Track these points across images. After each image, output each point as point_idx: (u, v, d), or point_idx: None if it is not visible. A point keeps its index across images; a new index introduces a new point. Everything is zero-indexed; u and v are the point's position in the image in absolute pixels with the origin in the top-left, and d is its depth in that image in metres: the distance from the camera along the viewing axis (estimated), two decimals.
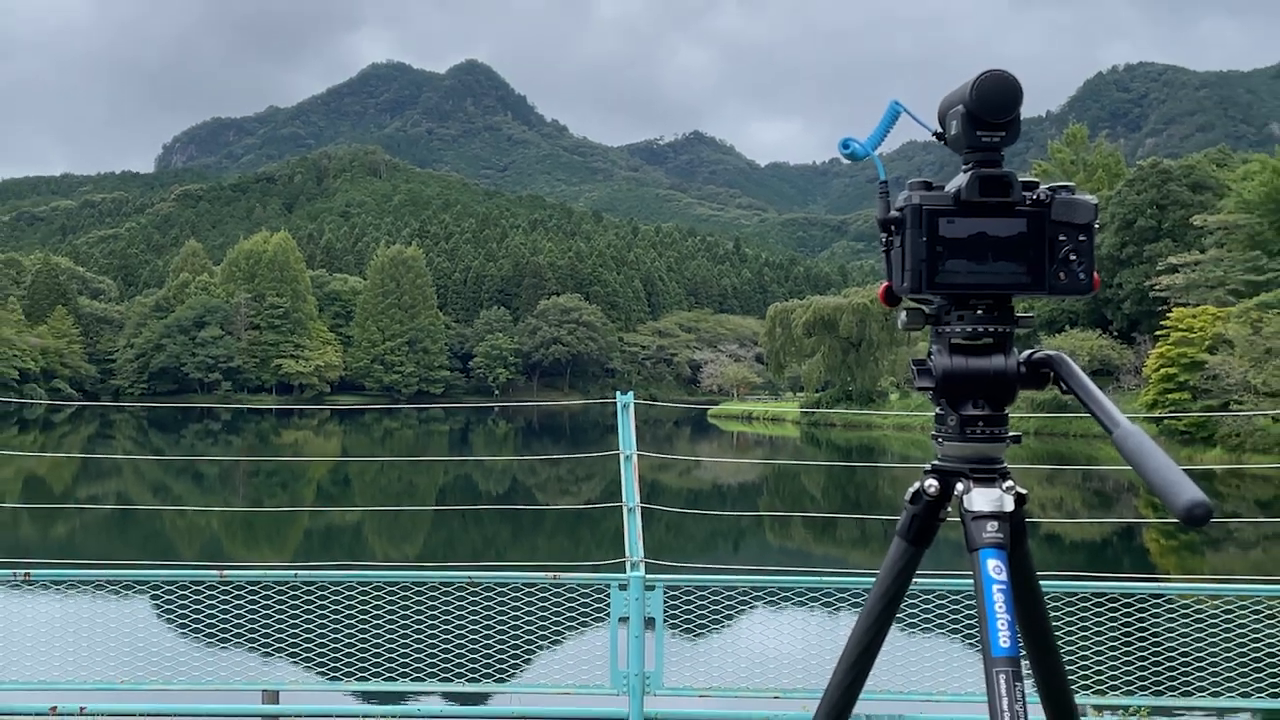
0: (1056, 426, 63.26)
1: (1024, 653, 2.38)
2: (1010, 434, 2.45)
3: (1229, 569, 24.88)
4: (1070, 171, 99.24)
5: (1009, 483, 2.42)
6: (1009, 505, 2.40)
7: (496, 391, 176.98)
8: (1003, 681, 2.19)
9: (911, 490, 2.53)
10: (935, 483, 2.48)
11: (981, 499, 2.39)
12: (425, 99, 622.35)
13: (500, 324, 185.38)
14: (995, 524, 2.36)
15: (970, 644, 8.65)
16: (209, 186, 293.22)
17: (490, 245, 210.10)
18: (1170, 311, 67.67)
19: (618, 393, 8.92)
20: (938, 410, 2.49)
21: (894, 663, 7.88)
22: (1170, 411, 57.80)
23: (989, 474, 2.42)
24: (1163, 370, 64.21)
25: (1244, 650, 8.42)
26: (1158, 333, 68.22)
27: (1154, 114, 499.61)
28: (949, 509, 2.51)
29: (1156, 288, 74.57)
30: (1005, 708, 2.17)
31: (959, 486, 2.42)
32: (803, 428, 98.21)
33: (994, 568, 2.30)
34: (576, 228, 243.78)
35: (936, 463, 2.50)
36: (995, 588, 2.27)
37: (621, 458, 8.52)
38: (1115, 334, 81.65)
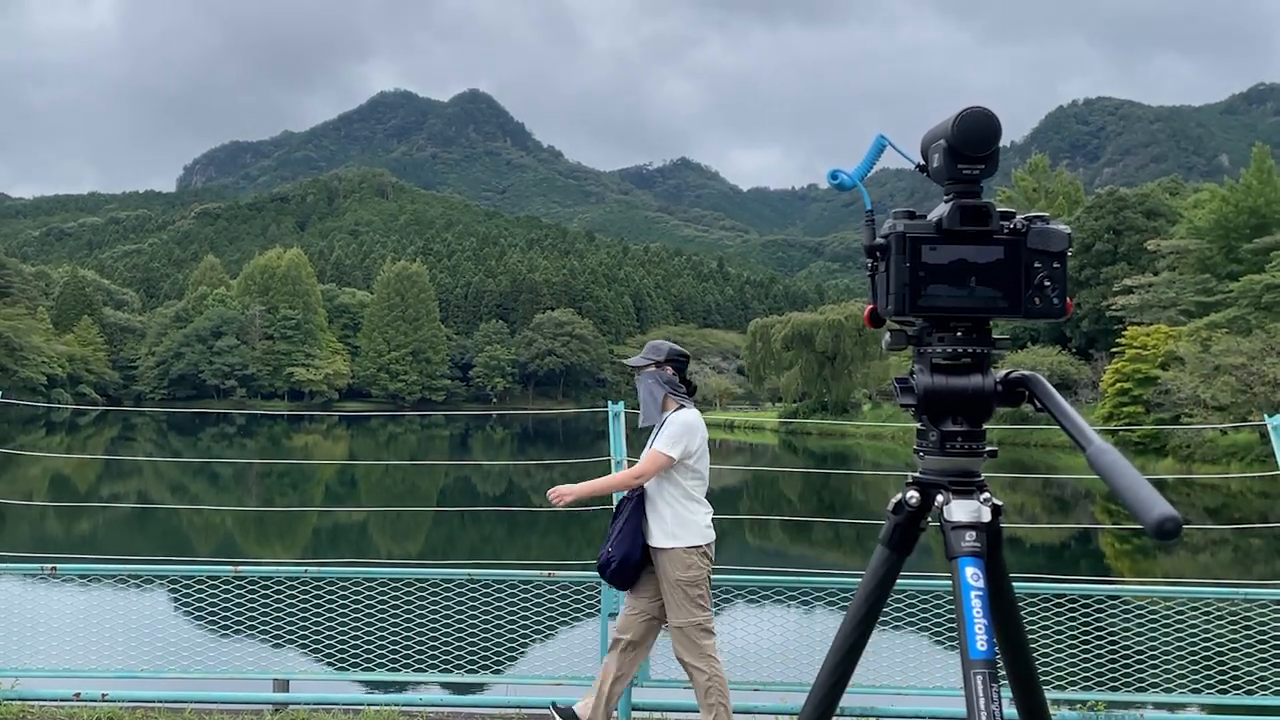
0: (1018, 437, 63.28)
1: (999, 655, 2.37)
2: (988, 448, 2.44)
3: (1180, 572, 24.88)
4: (1033, 199, 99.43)
5: (986, 494, 2.41)
6: (986, 516, 2.39)
7: (494, 399, 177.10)
8: (980, 683, 2.17)
9: (894, 501, 2.51)
10: (916, 494, 2.47)
11: (960, 510, 2.37)
12: (430, 125, 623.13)
13: (498, 336, 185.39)
14: (973, 533, 2.34)
15: (936, 641, 8.67)
16: (227, 205, 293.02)
17: (490, 262, 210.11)
18: (1125, 330, 67.82)
19: (609, 402, 8.91)
20: (919, 426, 2.48)
21: (866, 657, 7.86)
22: (1125, 424, 57.90)
23: (967, 486, 2.41)
24: (1118, 385, 64.34)
25: (1194, 648, 8.43)
26: (1113, 349, 68.38)
27: (1111, 145, 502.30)
28: (929, 519, 2.50)
29: (1113, 307, 74.68)
30: (982, 708, 2.16)
31: (939, 498, 2.41)
32: (781, 436, 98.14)
33: (972, 575, 2.28)
34: (570, 247, 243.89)
35: (918, 475, 2.49)
36: (973, 594, 2.26)
37: (612, 463, 8.51)
38: (1074, 350, 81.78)
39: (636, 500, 7.11)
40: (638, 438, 9.07)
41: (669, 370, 7.23)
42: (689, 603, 6.95)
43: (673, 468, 7.00)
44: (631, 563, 7.01)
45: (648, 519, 7.07)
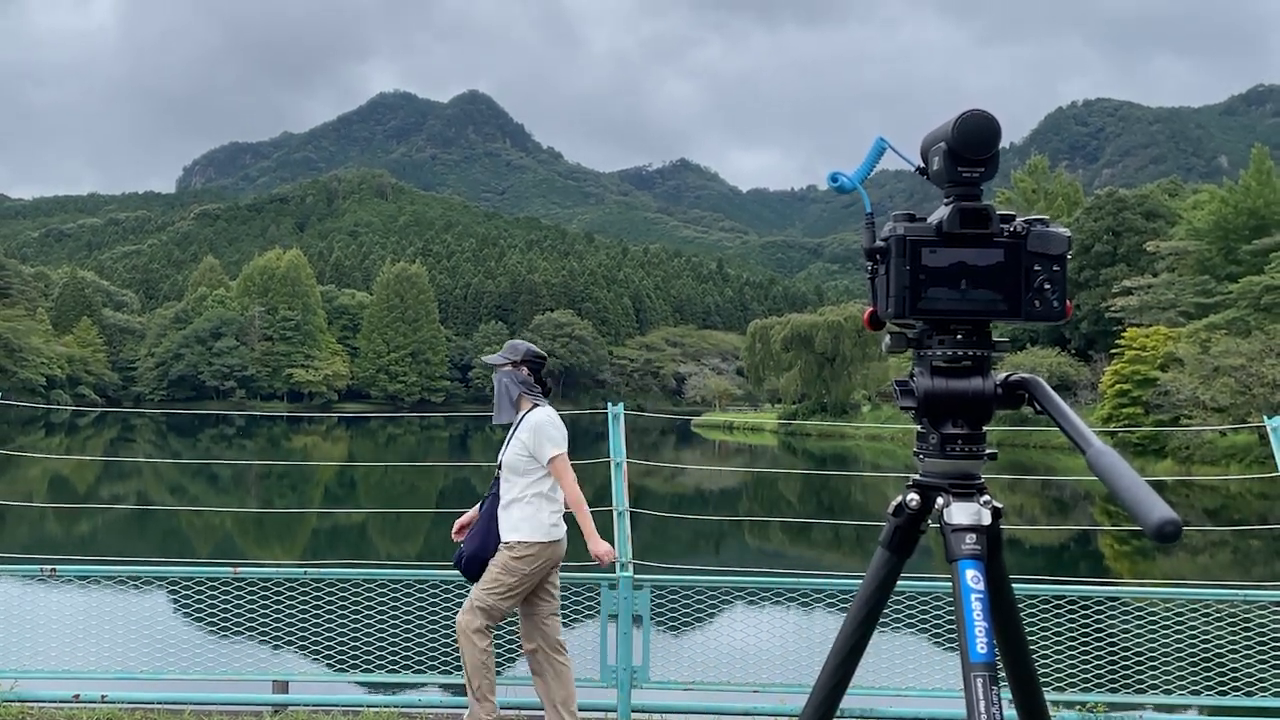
0: (1017, 438, 63.29)
1: (999, 657, 2.37)
2: (988, 451, 2.44)
3: (1179, 573, 24.87)
4: (1032, 200, 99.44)
5: (986, 497, 2.41)
6: (986, 519, 2.39)
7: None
8: (980, 686, 2.17)
9: (894, 503, 2.51)
10: (917, 496, 2.47)
11: (961, 512, 2.37)
12: (430, 126, 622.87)
13: (498, 337, 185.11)
14: (973, 536, 2.34)
15: (936, 642, 8.66)
16: (226, 206, 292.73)
17: (489, 264, 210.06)
18: (1125, 331, 67.82)
19: (609, 403, 8.91)
20: (919, 428, 2.48)
21: (866, 659, 7.84)
22: (1124, 425, 57.90)
23: (968, 489, 2.41)
24: (1117, 386, 64.36)
25: (1194, 650, 8.42)
26: (1113, 351, 68.39)
27: (1110, 147, 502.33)
28: (929, 521, 2.50)
29: (1112, 309, 74.70)
30: (983, 711, 2.15)
31: (939, 500, 2.42)
32: (780, 437, 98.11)
33: (972, 578, 2.28)
34: (570, 248, 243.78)
35: (918, 478, 2.49)
36: (973, 597, 2.26)
37: (611, 464, 8.51)
38: (1073, 352, 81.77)
39: (493, 497, 7.38)
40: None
41: (524, 370, 7.49)
42: (491, 582, 7.16)
43: (530, 466, 7.23)
44: (482, 559, 7.27)
45: (499, 514, 7.31)
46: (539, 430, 7.22)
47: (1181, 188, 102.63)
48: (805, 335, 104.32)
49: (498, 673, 9.21)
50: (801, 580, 8.59)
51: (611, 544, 8.06)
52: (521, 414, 7.38)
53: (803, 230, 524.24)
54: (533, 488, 7.22)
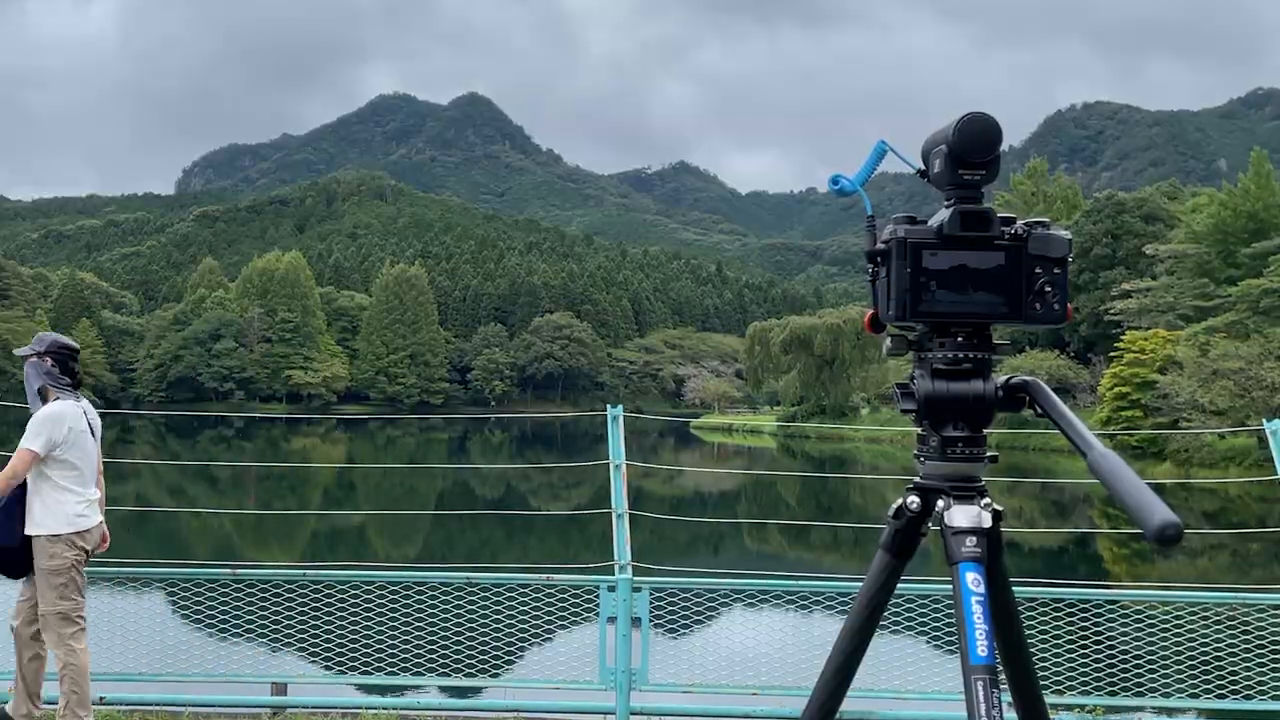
0: (1016, 440, 63.26)
1: (999, 661, 2.37)
2: (988, 454, 2.44)
3: (1177, 576, 24.79)
4: (1031, 203, 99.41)
5: (986, 500, 2.41)
6: (987, 521, 2.38)
7: (493, 402, 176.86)
8: (980, 688, 2.17)
9: (895, 506, 2.51)
10: (917, 499, 2.47)
11: (961, 515, 2.37)
12: (429, 128, 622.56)
13: (497, 339, 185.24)
14: (974, 539, 2.34)
15: (935, 645, 8.66)
16: (225, 208, 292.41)
17: (488, 265, 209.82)
18: (1124, 334, 67.80)
19: (608, 405, 8.91)
20: (920, 431, 2.48)
21: (865, 662, 7.81)
22: (1123, 428, 57.86)
23: (968, 492, 2.40)
24: (1117, 389, 64.31)
25: (1192, 653, 8.42)
26: (1112, 354, 68.35)
27: (1109, 150, 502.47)
28: (929, 524, 2.49)
29: (1111, 312, 74.70)
30: (983, 713, 2.15)
31: (940, 503, 2.41)
32: (779, 439, 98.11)
33: (973, 580, 2.28)
34: (569, 250, 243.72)
35: (919, 480, 2.49)
36: (974, 599, 2.26)
37: (611, 466, 8.51)
38: (1072, 354, 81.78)
39: (15, 491, 7.30)
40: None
41: (49, 362, 7.44)
42: (50, 590, 7.17)
43: (42, 460, 7.18)
44: (6, 546, 7.25)
45: (26, 509, 7.28)
46: (32, 422, 7.22)
47: (1180, 191, 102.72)
48: (804, 338, 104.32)
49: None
50: (800, 583, 8.59)
51: (612, 546, 8.06)
52: (45, 406, 7.38)
53: (802, 233, 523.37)
54: (48, 480, 7.23)
